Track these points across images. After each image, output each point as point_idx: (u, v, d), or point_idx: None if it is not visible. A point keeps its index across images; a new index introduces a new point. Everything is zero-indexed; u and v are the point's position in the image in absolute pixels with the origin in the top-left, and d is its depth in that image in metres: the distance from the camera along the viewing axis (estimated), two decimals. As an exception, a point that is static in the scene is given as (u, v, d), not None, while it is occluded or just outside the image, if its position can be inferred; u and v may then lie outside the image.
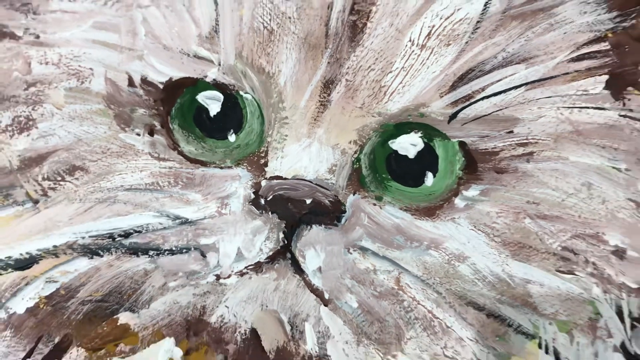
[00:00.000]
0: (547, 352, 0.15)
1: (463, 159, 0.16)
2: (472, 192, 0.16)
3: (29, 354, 0.15)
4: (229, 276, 0.16)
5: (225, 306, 0.15)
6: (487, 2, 0.18)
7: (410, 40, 0.17)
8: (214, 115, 0.17)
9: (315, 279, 0.16)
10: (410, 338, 0.15)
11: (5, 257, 0.16)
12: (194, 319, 0.16)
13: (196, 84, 0.17)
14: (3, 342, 0.15)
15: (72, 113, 0.17)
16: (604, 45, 0.18)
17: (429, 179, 0.17)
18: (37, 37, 0.18)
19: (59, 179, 0.16)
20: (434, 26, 0.18)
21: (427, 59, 0.17)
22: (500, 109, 0.17)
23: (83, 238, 0.16)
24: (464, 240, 0.16)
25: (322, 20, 0.18)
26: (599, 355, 0.15)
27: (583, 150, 0.17)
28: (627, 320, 0.15)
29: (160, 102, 0.17)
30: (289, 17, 0.17)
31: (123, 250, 0.16)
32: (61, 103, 0.17)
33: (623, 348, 0.15)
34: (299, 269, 0.16)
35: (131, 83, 0.17)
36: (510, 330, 0.15)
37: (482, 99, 0.17)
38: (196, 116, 0.17)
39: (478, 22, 0.18)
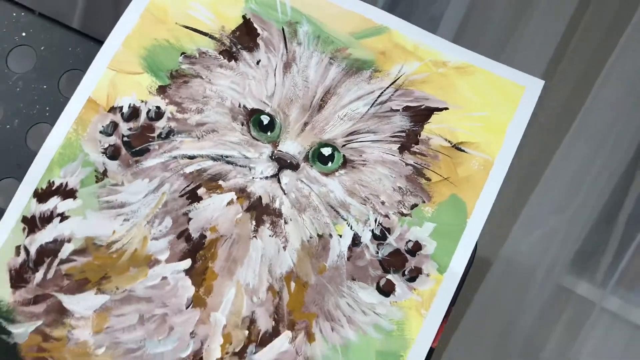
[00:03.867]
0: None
1: (342, 159, 0.42)
2: (341, 171, 0.40)
3: (188, 185, 0.43)
4: (257, 177, 0.43)
5: (257, 186, 0.43)
6: (369, 107, 0.45)
7: (339, 117, 0.45)
8: (265, 124, 0.42)
9: (285, 187, 0.41)
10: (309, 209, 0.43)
11: (190, 155, 0.44)
12: (242, 189, 0.44)
13: (261, 112, 0.44)
14: (180, 179, 0.43)
15: (216, 111, 0.45)
16: (402, 134, 0.45)
17: (331, 163, 0.40)
18: (210, 81, 0.45)
19: (209, 133, 0.44)
20: (347, 113, 0.45)
21: (342, 124, 0.45)
22: (360, 147, 0.45)
23: (209, 154, 0.44)
24: (336, 185, 0.42)
25: (309, 101, 0.45)
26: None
27: (383, 168, 0.44)
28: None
29: (248, 116, 0.45)
30: (298, 97, 0.45)
31: (225, 161, 0.44)
32: (214, 105, 0.45)
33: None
34: (280, 182, 0.41)
35: (239, 106, 0.45)
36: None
37: (355, 142, 0.45)
38: (258, 123, 0.42)
39: (363, 115, 0.45)
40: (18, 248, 0.40)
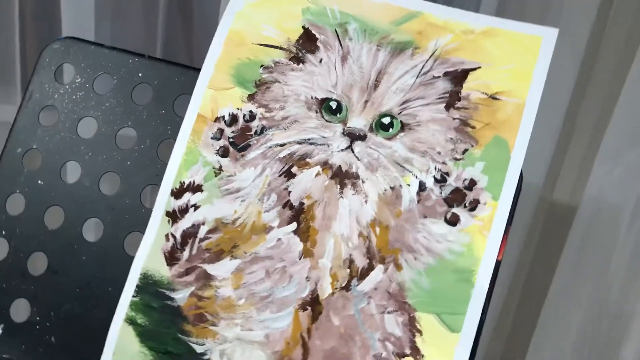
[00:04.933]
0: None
1: (400, 124, 0.52)
2: (401, 133, 0.48)
3: (284, 166, 0.55)
4: (335, 151, 0.54)
5: (336, 157, 0.54)
6: (415, 79, 0.55)
7: (392, 91, 0.55)
8: (334, 108, 0.50)
9: (358, 155, 0.51)
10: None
11: (281, 143, 0.55)
12: (325, 162, 0.55)
13: (329, 99, 0.56)
14: (277, 163, 0.55)
15: (294, 105, 0.56)
16: (446, 95, 0.55)
17: (391, 129, 0.49)
18: (286, 83, 0.57)
19: (292, 123, 0.55)
20: (398, 86, 0.55)
21: (395, 96, 0.55)
22: (413, 112, 0.54)
23: (295, 140, 0.55)
24: (398, 146, 0.51)
25: (366, 83, 0.55)
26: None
27: (434, 125, 0.54)
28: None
29: (319, 105, 0.55)
30: (356, 81, 0.55)
31: (308, 143, 0.55)
32: (292, 101, 0.56)
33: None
34: (353, 152, 0.50)
35: (311, 98, 0.56)
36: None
37: (408, 108, 0.55)
38: (328, 109, 0.51)
39: (411, 86, 0.55)
40: (167, 235, 0.53)
